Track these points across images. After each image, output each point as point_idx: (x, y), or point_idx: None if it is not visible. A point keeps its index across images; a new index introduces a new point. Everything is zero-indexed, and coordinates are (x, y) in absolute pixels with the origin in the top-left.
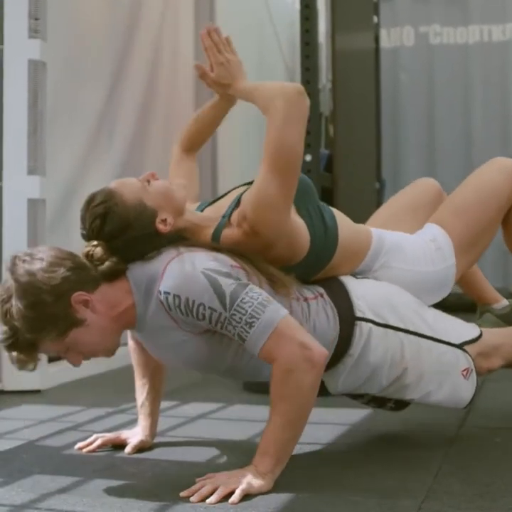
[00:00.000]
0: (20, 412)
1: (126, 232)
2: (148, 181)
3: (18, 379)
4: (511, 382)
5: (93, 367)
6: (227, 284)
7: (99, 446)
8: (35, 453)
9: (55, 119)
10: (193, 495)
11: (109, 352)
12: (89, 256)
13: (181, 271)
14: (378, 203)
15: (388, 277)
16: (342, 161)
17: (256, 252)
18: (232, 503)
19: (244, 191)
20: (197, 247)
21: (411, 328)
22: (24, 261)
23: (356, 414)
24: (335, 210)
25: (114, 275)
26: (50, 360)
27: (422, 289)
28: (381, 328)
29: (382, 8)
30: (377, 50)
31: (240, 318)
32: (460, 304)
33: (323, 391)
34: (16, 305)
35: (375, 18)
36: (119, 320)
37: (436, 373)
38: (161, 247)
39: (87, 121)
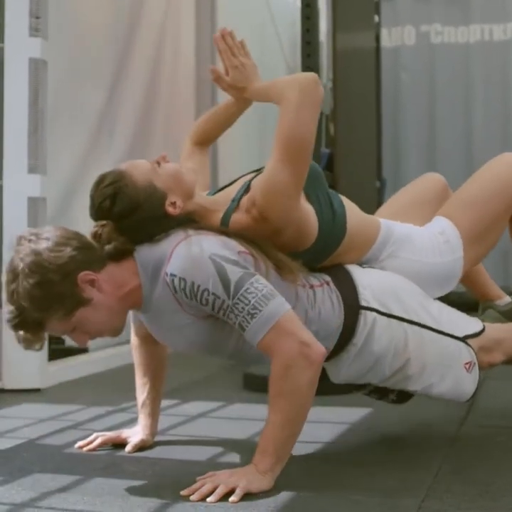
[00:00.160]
0: (20, 411)
1: (135, 213)
2: (159, 163)
3: (18, 378)
4: None
5: (93, 366)
6: (234, 272)
7: (100, 445)
8: (36, 451)
9: (55, 117)
10: (193, 493)
11: (115, 331)
12: (96, 235)
13: (189, 254)
14: (379, 202)
15: (395, 267)
16: (343, 160)
17: (264, 238)
18: (233, 502)
19: (254, 177)
20: (205, 230)
21: (415, 319)
22: (30, 240)
23: (357, 413)
24: (344, 198)
25: (121, 255)
26: (50, 358)
27: (429, 280)
28: (385, 318)
29: (383, 7)
30: (378, 49)
31: (243, 308)
32: (461, 302)
33: (326, 380)
34: (22, 284)
35: (376, 18)
36: (125, 300)
37: (439, 365)
38: (169, 230)
39: (87, 120)
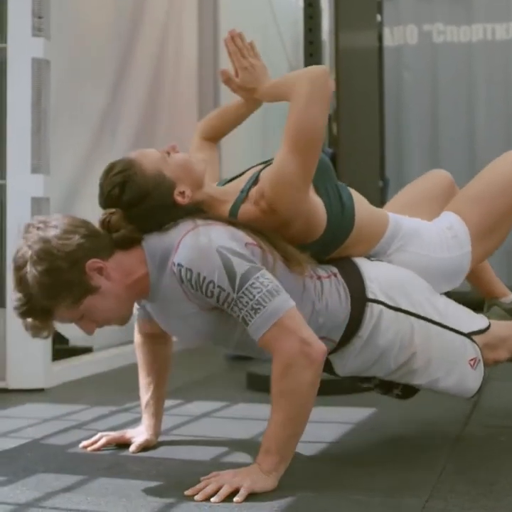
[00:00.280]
0: (24, 411)
1: (144, 202)
2: (169, 153)
3: (22, 378)
4: None
5: (97, 365)
6: (240, 266)
7: (104, 445)
8: (40, 451)
9: (58, 117)
10: (197, 493)
11: (123, 320)
12: (105, 223)
13: (196, 245)
14: (382, 202)
15: (403, 261)
16: (345, 159)
17: (272, 230)
18: (237, 502)
19: (263, 169)
20: (214, 220)
21: (422, 313)
22: (38, 228)
23: (360, 413)
24: (353, 191)
25: (129, 243)
26: (54, 358)
27: (436, 275)
28: (392, 311)
29: (386, 6)
30: (380, 48)
31: (247, 302)
32: (465, 302)
33: (331, 373)
34: (30, 271)
35: (379, 17)
36: (132, 288)
37: (444, 360)
38: (178, 219)
39: (90, 119)
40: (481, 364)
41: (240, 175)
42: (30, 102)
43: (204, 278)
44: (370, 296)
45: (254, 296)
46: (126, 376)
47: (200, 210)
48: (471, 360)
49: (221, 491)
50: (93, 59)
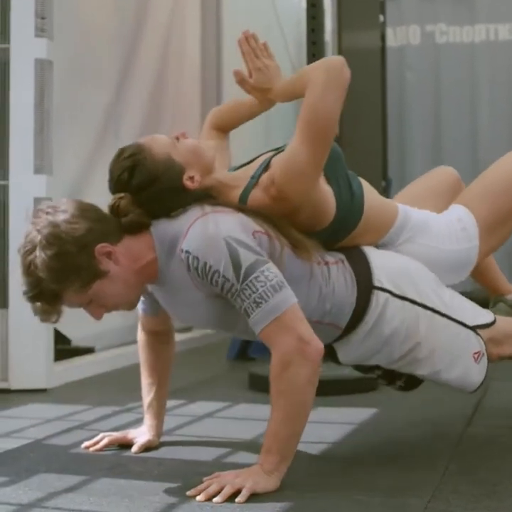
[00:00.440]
0: (26, 411)
1: (153, 186)
2: (178, 139)
3: (25, 378)
4: None
5: (99, 366)
6: (246, 258)
7: (106, 446)
8: (42, 452)
9: (61, 118)
10: (199, 494)
11: (131, 305)
12: (114, 208)
13: (204, 233)
14: None
15: (411, 252)
16: (348, 159)
17: (281, 216)
18: (239, 503)
19: (274, 155)
20: (223, 207)
21: (428, 304)
22: (47, 213)
23: (362, 414)
24: (363, 181)
25: (138, 228)
26: (57, 359)
27: (444, 267)
28: (398, 300)
29: (389, 6)
30: (383, 48)
31: (250, 294)
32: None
33: (334, 360)
34: (40, 255)
35: (381, 17)
36: (141, 273)
37: (448, 352)
38: (186, 205)
39: (93, 120)
40: (485, 358)
41: (250, 162)
42: (32, 103)
43: (210, 267)
44: (377, 283)
45: (257, 290)
46: (128, 376)
47: (209, 196)
48: (475, 353)
49: (223, 491)
50: (96, 59)
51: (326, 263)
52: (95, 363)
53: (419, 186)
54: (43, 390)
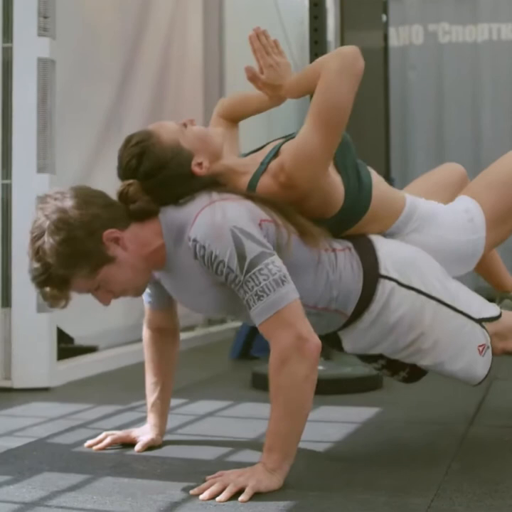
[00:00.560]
0: (29, 410)
1: (161, 172)
2: (186, 125)
3: (27, 377)
4: None
5: (102, 364)
6: (251, 250)
7: (109, 444)
8: (45, 450)
9: (64, 116)
10: (203, 493)
11: (138, 291)
12: (122, 194)
13: (212, 222)
14: None
15: (418, 242)
16: None
17: (289, 203)
18: (242, 501)
19: (284, 142)
20: (230, 194)
21: (433, 294)
22: (56, 199)
23: (365, 413)
24: (371, 170)
25: (146, 215)
26: (59, 357)
27: (450, 257)
28: (404, 289)
29: (391, 6)
30: (386, 48)
31: (252, 287)
32: None
33: (340, 349)
34: (48, 241)
35: (384, 17)
36: (149, 259)
37: (452, 343)
38: (195, 191)
39: (96, 119)
40: (490, 351)
41: (260, 148)
42: (35, 102)
43: (216, 256)
44: (383, 272)
45: (260, 283)
46: (131, 375)
47: (217, 183)
48: (480, 346)
49: (226, 490)
50: (99, 58)
51: (333, 250)
52: (98, 361)
53: (425, 180)
54: (46, 389)
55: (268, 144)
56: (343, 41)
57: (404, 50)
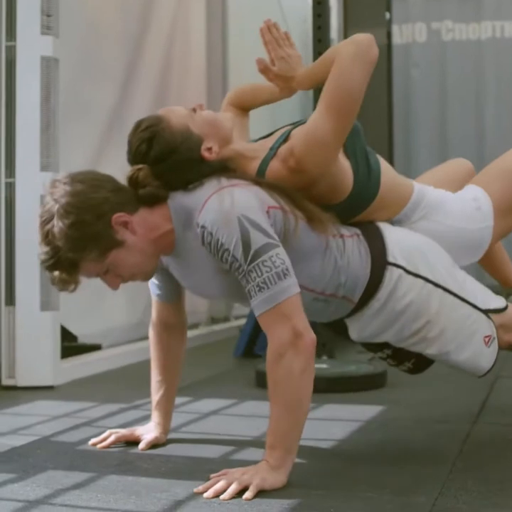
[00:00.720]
0: (33, 408)
1: (171, 157)
2: (195, 110)
3: (32, 375)
4: None
5: (106, 363)
6: (256, 240)
7: (113, 443)
8: (49, 449)
9: (67, 115)
10: (207, 491)
11: (147, 275)
12: (132, 179)
13: (220, 208)
14: None
15: (426, 230)
16: None
17: (297, 188)
18: (246, 500)
19: (293, 128)
20: (239, 179)
21: (440, 283)
22: (65, 183)
23: (370, 411)
24: (380, 157)
25: (155, 200)
26: (63, 356)
27: (458, 246)
28: (411, 277)
29: (395, 4)
30: (389, 46)
31: (255, 277)
32: None
33: (347, 338)
34: (57, 225)
35: (388, 15)
36: (157, 243)
37: (458, 332)
38: (204, 176)
39: (99, 117)
40: (496, 343)
41: (269, 135)
42: (39, 100)
43: (222, 244)
44: (391, 259)
45: (262, 274)
46: (135, 373)
47: (227, 168)
48: (486, 337)
49: (231, 488)
50: (102, 57)
51: (341, 236)
52: (102, 360)
53: (433, 174)
54: (50, 387)
55: (277, 130)
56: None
57: (408, 48)
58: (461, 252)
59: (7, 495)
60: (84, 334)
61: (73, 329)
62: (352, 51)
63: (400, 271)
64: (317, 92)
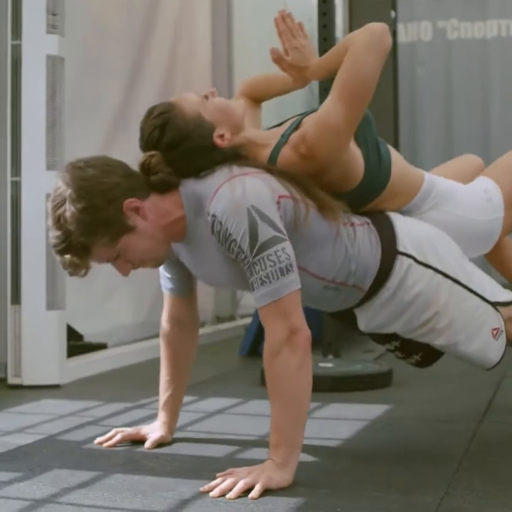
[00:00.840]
0: (39, 407)
1: (183, 143)
2: (207, 97)
3: (37, 374)
4: None
5: (112, 362)
6: (264, 233)
7: (119, 441)
8: (55, 447)
9: (73, 114)
10: (213, 490)
11: (157, 261)
12: (144, 165)
13: (231, 198)
14: None
15: (436, 220)
16: None
17: (308, 176)
18: (252, 499)
19: (304, 117)
20: (250, 167)
21: (450, 273)
22: (77, 167)
23: (375, 410)
24: (390, 147)
25: (167, 187)
26: (69, 355)
27: (468, 237)
28: (420, 267)
29: (400, 2)
30: (394, 44)
31: (258, 271)
32: None
33: (355, 329)
34: (69, 209)
35: (393, 13)
36: (168, 230)
37: (467, 324)
38: (216, 164)
39: (105, 116)
40: (504, 335)
41: (280, 124)
42: (44, 99)
43: (230, 234)
44: (401, 249)
45: (266, 268)
46: (140, 372)
47: (238, 155)
48: (494, 329)
49: (236, 487)
50: (107, 55)
51: (352, 224)
52: (108, 359)
53: (443, 168)
54: (56, 386)
55: (288, 120)
56: None
57: (413, 47)
58: (470, 243)
59: (13, 494)
60: (90, 333)
61: (79, 328)
62: (366, 39)
63: (410, 260)
64: (322, 89)
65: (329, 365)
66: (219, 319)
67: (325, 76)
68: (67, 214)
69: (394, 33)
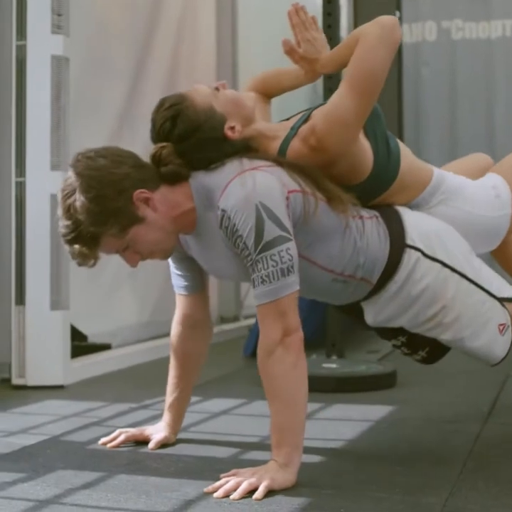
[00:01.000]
0: (43, 408)
1: (194, 135)
2: (218, 89)
3: (42, 374)
4: None
5: (116, 362)
6: (269, 232)
7: (123, 442)
8: (59, 448)
9: (77, 114)
10: (217, 490)
11: (166, 253)
12: (155, 157)
13: (240, 194)
14: None
15: (444, 215)
16: None
17: (317, 168)
18: (256, 499)
19: (313, 110)
20: (260, 159)
21: (457, 268)
22: (88, 157)
23: (379, 411)
24: (399, 142)
25: (177, 178)
26: (73, 355)
27: (475, 232)
28: (428, 261)
29: (405, 3)
30: (399, 45)
31: (260, 269)
32: None
33: (361, 323)
34: (79, 198)
35: (397, 13)
36: (178, 221)
37: (473, 319)
38: (226, 156)
39: (109, 116)
40: (510, 331)
41: (289, 118)
42: (49, 99)
43: (237, 230)
44: (409, 242)
45: (267, 267)
46: (144, 373)
47: (248, 148)
48: (501, 325)
49: (241, 487)
50: (112, 56)
51: (361, 217)
52: (112, 359)
53: (452, 166)
54: (60, 387)
55: (297, 114)
56: None
57: (418, 47)
58: (478, 239)
59: (17, 494)
60: (94, 334)
61: (83, 329)
62: (376, 32)
63: (418, 254)
64: (327, 89)
65: (333, 365)
66: (223, 320)
67: (335, 69)
68: (77, 203)
69: None
